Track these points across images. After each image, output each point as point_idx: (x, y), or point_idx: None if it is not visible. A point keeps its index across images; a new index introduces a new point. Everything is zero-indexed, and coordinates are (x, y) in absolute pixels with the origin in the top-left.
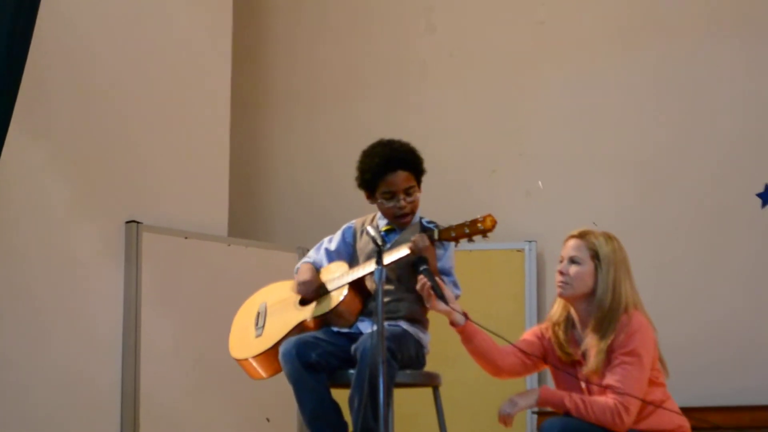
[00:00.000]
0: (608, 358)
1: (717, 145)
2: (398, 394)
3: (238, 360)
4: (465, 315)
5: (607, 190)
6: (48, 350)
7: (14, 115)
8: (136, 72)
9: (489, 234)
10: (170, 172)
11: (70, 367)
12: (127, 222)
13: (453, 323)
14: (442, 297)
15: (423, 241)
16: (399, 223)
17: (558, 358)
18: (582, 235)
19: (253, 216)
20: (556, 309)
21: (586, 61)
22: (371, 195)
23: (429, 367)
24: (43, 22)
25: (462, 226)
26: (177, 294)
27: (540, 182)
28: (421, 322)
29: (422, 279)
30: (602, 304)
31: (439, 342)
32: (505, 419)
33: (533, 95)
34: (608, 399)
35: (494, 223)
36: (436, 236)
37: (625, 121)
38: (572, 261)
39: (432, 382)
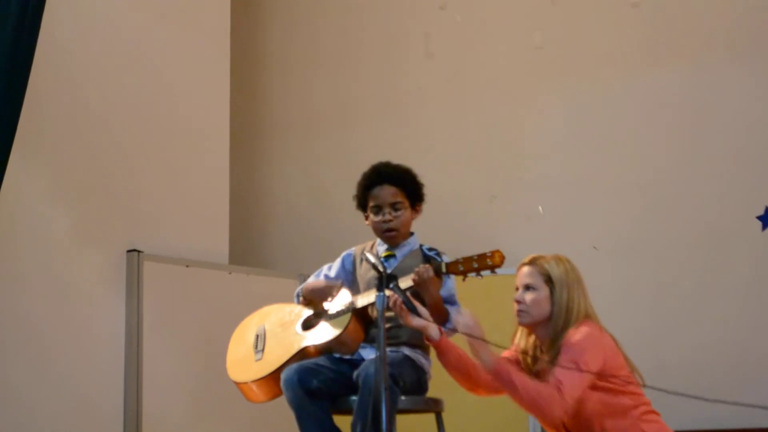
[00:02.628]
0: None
1: (714, 168)
2: (401, 420)
3: (236, 382)
4: (440, 331)
5: (607, 214)
6: (51, 378)
7: (15, 145)
8: (136, 102)
9: (497, 270)
10: (171, 201)
11: (73, 394)
12: (129, 251)
13: (428, 338)
14: (414, 311)
15: (427, 272)
16: (386, 238)
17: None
18: (533, 262)
19: (254, 244)
20: (520, 336)
21: (583, 86)
22: (364, 212)
23: (431, 392)
24: (41, 52)
25: (470, 260)
26: (178, 322)
27: (540, 207)
28: (422, 347)
29: (393, 295)
30: (556, 325)
31: (441, 367)
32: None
33: (532, 120)
34: (548, 385)
35: (503, 259)
36: (444, 269)
37: (623, 145)
38: (527, 288)
39: (434, 407)
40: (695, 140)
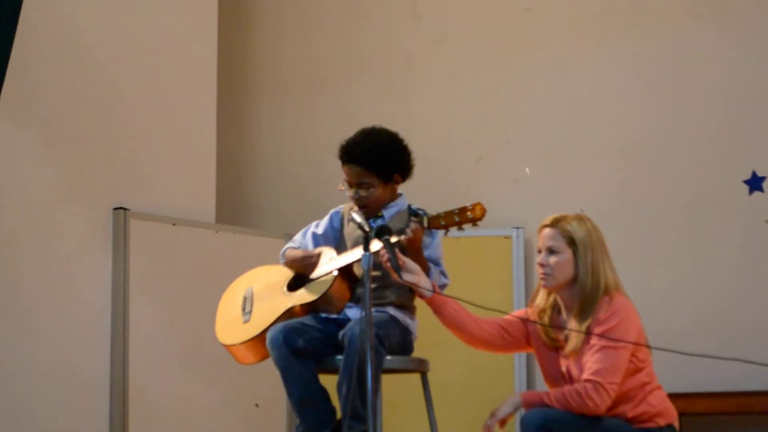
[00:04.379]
0: (587, 338)
1: (702, 131)
2: (386, 380)
3: (226, 345)
4: (433, 286)
5: (594, 177)
6: (35, 338)
7: (2, 100)
8: (122, 59)
9: (479, 222)
10: (158, 159)
11: (57, 354)
12: (115, 209)
13: (420, 296)
14: (397, 269)
15: (418, 230)
16: (363, 211)
17: (543, 343)
18: (554, 223)
19: (241, 203)
20: (541, 296)
21: (571, 48)
22: None
23: (417, 353)
24: (29, 8)
25: (451, 214)
26: (165, 280)
27: (527, 169)
28: (408, 308)
29: (382, 251)
30: (584, 288)
31: (428, 328)
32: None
33: (519, 82)
34: (577, 384)
35: (484, 212)
36: (425, 224)
37: (611, 108)
38: (550, 251)
39: (420, 368)
40: (682, 103)
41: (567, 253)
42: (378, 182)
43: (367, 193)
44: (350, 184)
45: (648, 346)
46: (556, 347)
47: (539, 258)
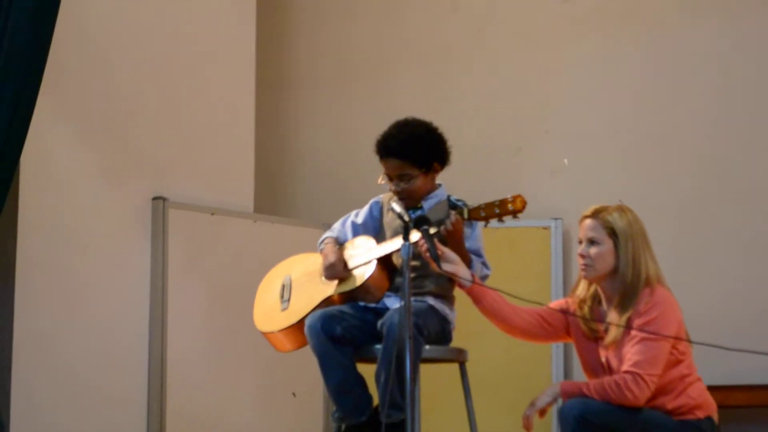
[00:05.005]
0: (628, 330)
1: (743, 122)
2: (425, 369)
3: (264, 333)
4: (473, 276)
5: (632, 168)
6: (77, 325)
7: (41, 92)
8: (163, 50)
9: (519, 215)
10: (197, 149)
11: (98, 341)
12: (154, 198)
13: (459, 285)
14: (436, 258)
15: (457, 221)
16: (403, 203)
17: (583, 333)
18: (596, 214)
19: (279, 193)
20: (582, 287)
21: (610, 39)
22: None
23: (455, 343)
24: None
25: (492, 205)
26: (203, 269)
27: (566, 160)
28: (447, 297)
29: (421, 241)
30: (624, 279)
31: (466, 318)
32: (525, 422)
33: (558, 73)
34: (616, 375)
35: (524, 204)
36: (465, 215)
37: (650, 98)
38: (591, 242)
39: (458, 357)
40: (725, 94)
41: (608, 244)
42: (418, 173)
43: (407, 185)
44: (390, 177)
45: (688, 341)
46: (596, 338)
47: (580, 249)
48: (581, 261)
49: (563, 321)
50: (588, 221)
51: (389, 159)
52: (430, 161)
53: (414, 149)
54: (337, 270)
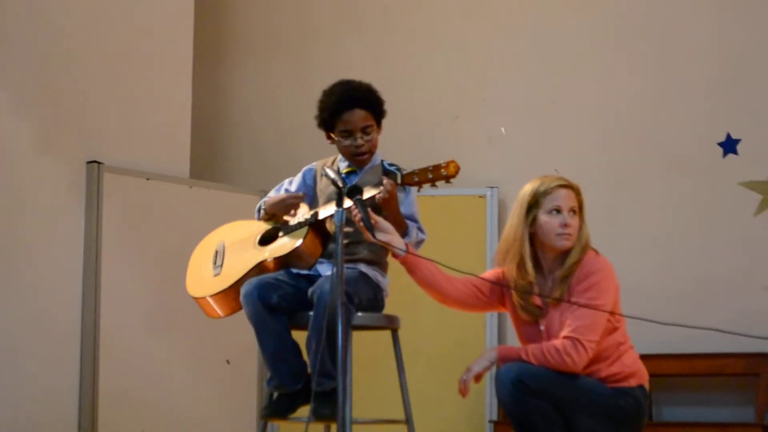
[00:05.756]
0: (569, 288)
1: (678, 93)
2: (357, 336)
3: (195, 298)
4: (407, 246)
5: (569, 137)
6: (7, 289)
7: None
8: (98, 14)
9: (452, 180)
10: (132, 113)
11: (29, 307)
12: (89, 162)
13: (394, 255)
14: (370, 228)
15: (391, 186)
16: (357, 161)
17: (521, 306)
18: (570, 184)
19: (215, 159)
20: (512, 270)
21: (550, 6)
22: (330, 134)
23: (388, 310)
24: None
25: (425, 171)
26: (138, 235)
27: (502, 128)
28: (379, 264)
29: (354, 210)
30: (575, 248)
31: (399, 286)
32: (461, 387)
33: (496, 41)
34: (556, 341)
35: (457, 169)
36: (399, 180)
37: (588, 69)
38: (572, 211)
39: (391, 325)
40: (661, 65)
41: (580, 215)
42: (376, 126)
43: (369, 138)
44: (350, 132)
45: (626, 316)
46: (534, 320)
47: (560, 218)
48: (565, 230)
49: (498, 291)
50: (567, 191)
51: (355, 110)
52: (382, 115)
53: (376, 99)
54: (288, 204)
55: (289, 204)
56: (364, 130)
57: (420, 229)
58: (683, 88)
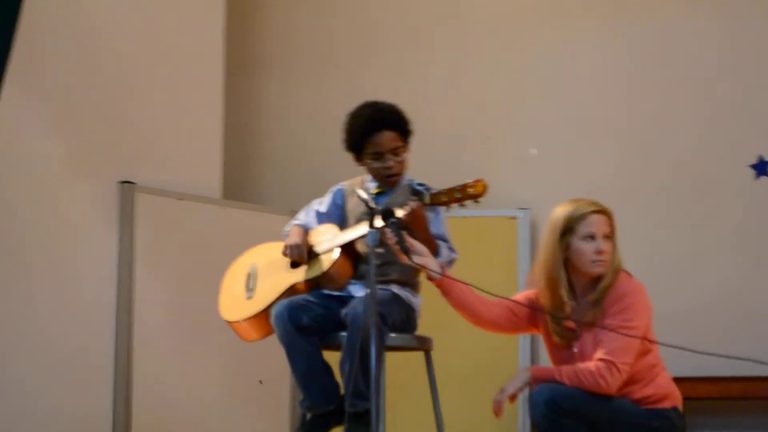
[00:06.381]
0: (602, 311)
1: (709, 114)
2: (390, 357)
3: (229, 322)
4: (442, 268)
5: (600, 158)
6: (40, 312)
7: (8, 75)
8: (129, 33)
9: (480, 199)
10: (165, 133)
11: (62, 327)
12: (121, 182)
13: (429, 277)
14: (405, 251)
15: (418, 207)
16: (387, 183)
17: (553, 330)
18: (606, 211)
19: (247, 179)
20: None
21: (580, 28)
22: (359, 156)
23: (421, 331)
24: None
25: (453, 190)
26: (170, 255)
27: (534, 149)
28: (411, 285)
29: (389, 233)
30: (608, 274)
31: (432, 306)
32: (495, 407)
33: (528, 62)
34: (590, 363)
35: (485, 188)
36: (427, 200)
37: (617, 90)
38: (607, 237)
39: (423, 346)
40: (688, 86)
41: (614, 240)
42: (405, 147)
43: (400, 159)
44: (380, 155)
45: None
46: (568, 345)
47: (597, 244)
48: (600, 257)
49: (531, 314)
50: (600, 216)
51: (384, 132)
52: (410, 135)
53: (404, 120)
54: (301, 250)
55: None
56: (394, 152)
57: (450, 248)
58: (714, 109)
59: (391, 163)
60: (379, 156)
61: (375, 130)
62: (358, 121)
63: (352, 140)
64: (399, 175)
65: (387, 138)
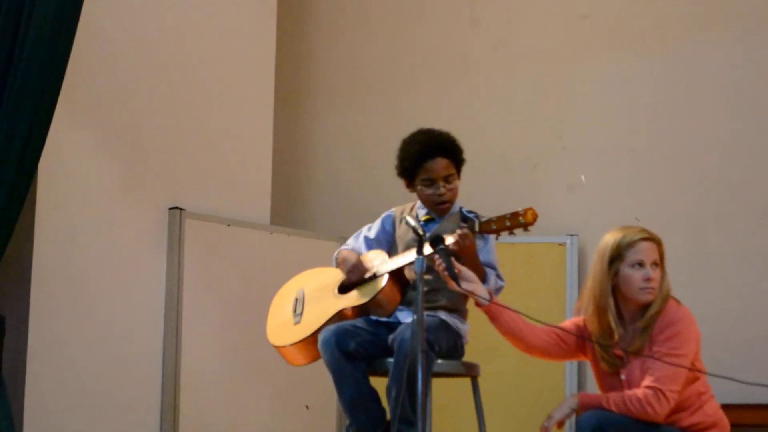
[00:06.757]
0: (650, 339)
1: (761, 139)
2: (437, 384)
3: (276, 347)
4: (490, 295)
5: (649, 185)
6: (92, 334)
7: (60, 101)
8: (181, 60)
9: (530, 228)
10: (214, 160)
11: (113, 350)
12: (171, 208)
13: (477, 304)
14: (454, 277)
15: (467, 236)
16: (438, 210)
17: (601, 356)
18: (655, 238)
19: (295, 205)
20: (593, 323)
21: (628, 56)
22: (411, 183)
23: (468, 357)
24: (87, 9)
25: (503, 218)
26: (218, 281)
27: (582, 176)
28: (459, 311)
29: (438, 260)
30: (656, 301)
31: (479, 332)
32: None
33: (576, 89)
34: (638, 390)
35: (535, 217)
36: (476, 228)
37: (667, 117)
38: (655, 264)
39: (470, 372)
40: (739, 112)
41: (663, 267)
42: (457, 175)
43: (451, 187)
44: (432, 181)
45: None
46: (616, 371)
47: (646, 272)
48: (648, 284)
49: (579, 341)
50: (649, 244)
51: (437, 159)
52: (463, 163)
53: (457, 148)
54: (358, 272)
55: (352, 272)
56: (446, 179)
57: (498, 276)
58: (762, 133)
59: (443, 190)
60: (431, 183)
61: (429, 156)
62: (412, 148)
63: (405, 166)
64: (450, 202)
65: (440, 165)
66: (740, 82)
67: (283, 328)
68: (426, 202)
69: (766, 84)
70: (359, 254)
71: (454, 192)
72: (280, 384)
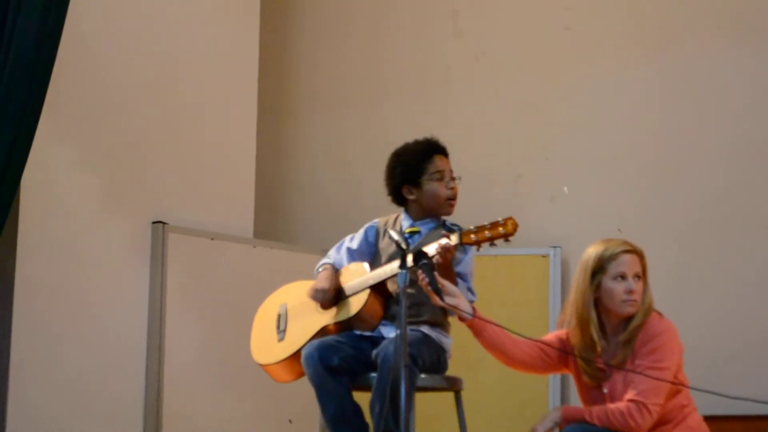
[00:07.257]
0: (633, 351)
1: (742, 150)
2: (420, 398)
3: (261, 365)
4: (474, 309)
5: (632, 196)
6: (71, 348)
7: (43, 115)
8: (163, 73)
9: (511, 238)
10: (197, 173)
11: (93, 365)
12: (154, 222)
13: (461, 318)
14: (438, 293)
15: (449, 250)
16: (448, 206)
17: (584, 370)
18: (637, 251)
19: (278, 218)
20: (575, 336)
21: (611, 67)
22: (415, 183)
23: (451, 371)
24: (70, 22)
25: (483, 228)
26: (202, 294)
27: (565, 187)
28: (442, 325)
29: (421, 275)
30: (638, 314)
31: (462, 346)
32: None
33: (559, 100)
34: (620, 404)
35: (516, 227)
36: (456, 239)
37: (649, 127)
38: (637, 277)
39: (454, 386)
40: (719, 123)
41: (645, 279)
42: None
43: (456, 186)
44: (443, 175)
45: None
46: (598, 384)
47: (625, 284)
48: (630, 297)
49: (562, 354)
50: (631, 256)
51: (443, 157)
52: None
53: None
54: (326, 297)
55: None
56: (453, 179)
57: (470, 289)
58: (746, 145)
59: (452, 184)
60: (441, 176)
61: (436, 152)
62: (417, 147)
63: (410, 165)
64: (455, 200)
65: (447, 162)
66: (723, 91)
67: (267, 345)
68: (436, 199)
69: (748, 93)
70: (341, 266)
71: (456, 195)
72: (263, 398)
